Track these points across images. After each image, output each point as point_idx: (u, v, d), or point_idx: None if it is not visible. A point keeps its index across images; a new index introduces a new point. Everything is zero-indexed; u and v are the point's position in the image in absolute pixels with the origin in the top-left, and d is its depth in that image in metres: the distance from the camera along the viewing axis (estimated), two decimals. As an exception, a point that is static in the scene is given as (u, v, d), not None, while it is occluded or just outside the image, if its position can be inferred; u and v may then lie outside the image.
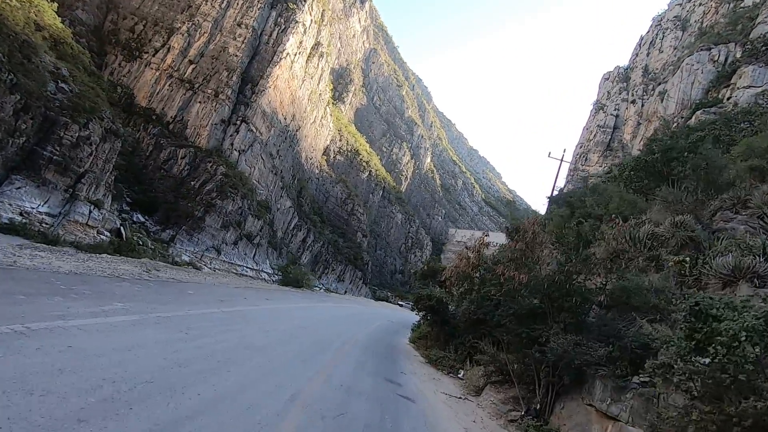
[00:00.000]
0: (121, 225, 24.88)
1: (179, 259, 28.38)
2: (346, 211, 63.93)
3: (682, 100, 19.47)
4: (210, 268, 31.62)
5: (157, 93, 36.73)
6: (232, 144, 38.05)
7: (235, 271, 35.58)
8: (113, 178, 25.52)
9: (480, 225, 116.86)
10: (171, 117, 36.31)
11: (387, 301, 60.30)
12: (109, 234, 23.49)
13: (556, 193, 31.93)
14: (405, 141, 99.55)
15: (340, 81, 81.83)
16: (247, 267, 37.46)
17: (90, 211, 21.66)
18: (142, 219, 29.23)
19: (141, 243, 25.85)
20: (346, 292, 56.34)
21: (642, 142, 25.70)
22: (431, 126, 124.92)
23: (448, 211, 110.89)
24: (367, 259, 61.29)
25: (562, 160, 18.51)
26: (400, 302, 59.19)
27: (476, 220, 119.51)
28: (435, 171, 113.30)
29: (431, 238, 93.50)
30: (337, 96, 79.34)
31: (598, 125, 31.40)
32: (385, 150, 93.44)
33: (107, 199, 24.49)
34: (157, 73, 37.00)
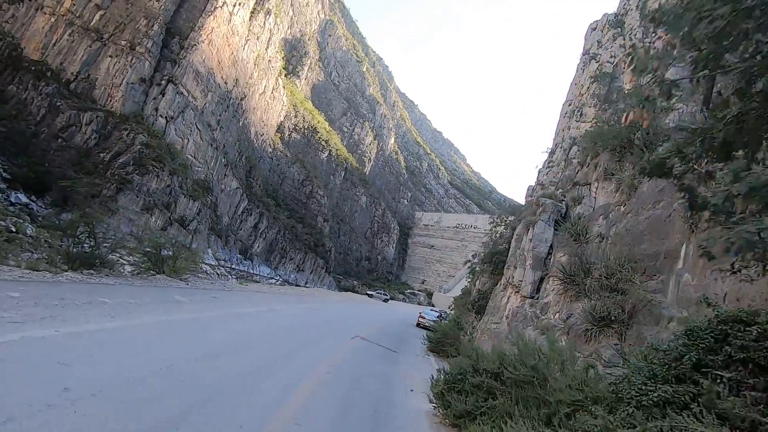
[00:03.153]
0: (-22, 205, 18.01)
1: (79, 250, 21.68)
2: (305, 193, 57.76)
3: None
4: (127, 261, 25.01)
5: (53, 44, 29.09)
6: (156, 109, 31.08)
7: (164, 263, 29.00)
8: (-31, 141, 18.59)
9: (447, 208, 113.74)
10: (72, 74, 28.88)
11: (353, 291, 55.04)
12: (-45, 217, 16.68)
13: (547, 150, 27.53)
14: (367, 120, 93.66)
15: (293, 53, 74.59)
16: (181, 258, 30.88)
17: None
18: (25, 200, 22.22)
19: (15, 230, 19.07)
20: (307, 283, 50.55)
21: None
22: (394, 106, 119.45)
23: (414, 194, 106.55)
24: (329, 246, 55.64)
25: None
26: (369, 292, 54.04)
27: (443, 203, 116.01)
28: (399, 153, 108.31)
29: (398, 222, 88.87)
30: (291, 69, 72.21)
31: (591, 76, 27.34)
32: (346, 130, 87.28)
33: (-45, 169, 17.59)
34: (53, 20, 29.29)
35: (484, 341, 11.39)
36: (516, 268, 11.17)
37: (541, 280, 9.88)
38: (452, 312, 44.62)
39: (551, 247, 10.21)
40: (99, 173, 25.99)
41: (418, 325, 24.96)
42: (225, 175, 40.44)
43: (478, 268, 21.85)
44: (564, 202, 11.03)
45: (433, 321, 24.00)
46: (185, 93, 33.21)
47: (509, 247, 13.46)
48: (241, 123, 44.97)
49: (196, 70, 34.09)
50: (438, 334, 15.05)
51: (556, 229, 10.47)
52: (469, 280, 51.39)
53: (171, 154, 30.85)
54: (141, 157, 27.36)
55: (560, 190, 15.21)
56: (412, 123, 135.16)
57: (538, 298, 9.57)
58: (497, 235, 22.71)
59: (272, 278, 45.50)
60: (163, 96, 31.42)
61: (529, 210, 13.09)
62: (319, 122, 71.65)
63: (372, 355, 11.41)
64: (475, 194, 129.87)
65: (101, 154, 26.82)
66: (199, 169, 35.82)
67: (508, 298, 11.19)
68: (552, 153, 27.39)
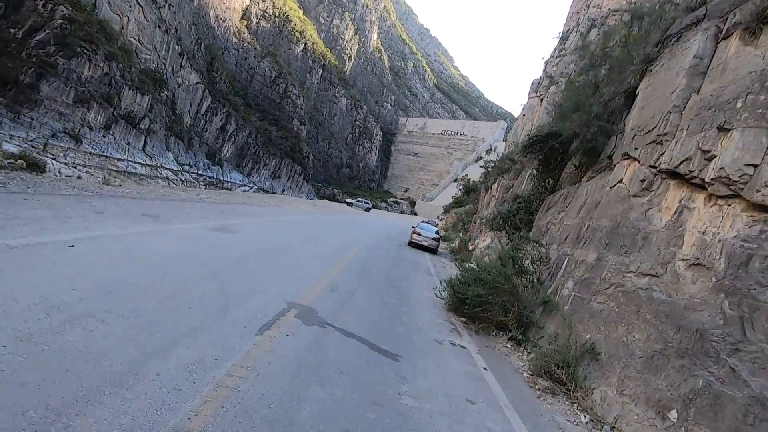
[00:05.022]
0: None
1: (-5, 150, 17.80)
2: (278, 92, 52.09)
3: None
4: (64, 163, 21.36)
5: None
6: (79, -27, 24.69)
7: (113, 166, 25.39)
8: None
9: (432, 113, 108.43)
10: None
11: (334, 199, 52.65)
12: None
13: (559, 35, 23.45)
14: (347, 11, 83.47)
15: None
16: (134, 162, 27.20)
17: None
18: None
19: None
20: (284, 190, 47.70)
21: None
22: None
23: (398, 98, 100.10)
24: (307, 152, 51.79)
25: None
26: (349, 200, 51.74)
27: (428, 107, 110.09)
28: (383, 51, 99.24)
29: (381, 128, 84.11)
30: (257, -59, 61.09)
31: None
32: (323, 21, 77.76)
33: None
34: None
35: (607, 311, 5.52)
36: (726, 129, 4.65)
37: None
38: (441, 222, 42.95)
39: None
40: (11, 54, 20.91)
41: (410, 243, 19.42)
42: (181, 66, 34.83)
43: (492, 166, 17.64)
44: None
45: (433, 238, 18.98)
46: (116, -46, 26.47)
47: (635, 92, 7.33)
48: (196, 2, 37.95)
49: (128, -77, 26.91)
50: (474, 286, 7.53)
51: None
52: (460, 187, 49.21)
53: (106, 35, 25.34)
54: (64, 36, 22.09)
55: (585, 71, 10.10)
56: (397, 17, 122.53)
57: None
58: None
59: (245, 185, 42.38)
60: (86, -44, 24.84)
61: None
62: (292, 9, 62.81)
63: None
64: (461, 99, 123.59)
65: (11, 30, 21.41)
66: (147, 56, 30.28)
67: (679, 213, 5.05)
68: (564, 40, 23.23)
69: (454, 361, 5.73)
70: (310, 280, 7.60)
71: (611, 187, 6.91)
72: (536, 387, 5.56)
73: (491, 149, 67.01)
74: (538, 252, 7.99)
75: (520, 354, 6.74)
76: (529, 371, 6.02)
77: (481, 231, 16.90)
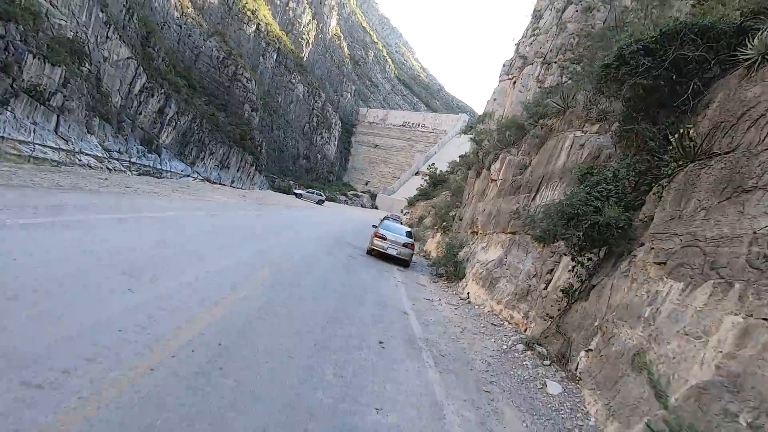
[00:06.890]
0: None
1: None
2: (227, 75, 47.76)
3: None
4: (-61, 145, 17.04)
5: None
6: None
7: (14, 149, 21.01)
8: None
9: (393, 105, 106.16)
10: None
11: (288, 192, 49.18)
12: None
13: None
14: (304, -7, 78.97)
15: None
16: (42, 145, 22.84)
17: None
18: None
19: None
20: (233, 181, 43.77)
21: None
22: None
23: (359, 88, 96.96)
24: (259, 140, 47.89)
25: None
26: (298, 191, 48.59)
27: (389, 99, 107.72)
28: (342, 38, 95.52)
29: (340, 118, 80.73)
30: None
31: None
32: (278, 3, 73.04)
33: None
34: None
35: None
36: None
37: None
38: (405, 216, 40.63)
39: None
40: None
41: (370, 252, 14.03)
42: (108, 37, 30.26)
43: (486, 139, 13.26)
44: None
45: (404, 244, 13.72)
46: None
47: None
48: (126, -34, 33.26)
49: None
50: None
51: None
52: (425, 178, 46.55)
53: (3, -10, 20.83)
54: (-62, -16, 17.65)
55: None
56: (357, 4, 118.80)
57: None
58: None
59: (188, 176, 38.18)
60: None
61: None
62: (243, -14, 58.01)
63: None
64: (422, 92, 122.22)
65: None
66: (63, 22, 25.73)
67: None
68: (538, 18, 21.35)
69: None
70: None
71: None
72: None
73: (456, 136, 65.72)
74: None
75: None
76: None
77: (476, 233, 12.94)
